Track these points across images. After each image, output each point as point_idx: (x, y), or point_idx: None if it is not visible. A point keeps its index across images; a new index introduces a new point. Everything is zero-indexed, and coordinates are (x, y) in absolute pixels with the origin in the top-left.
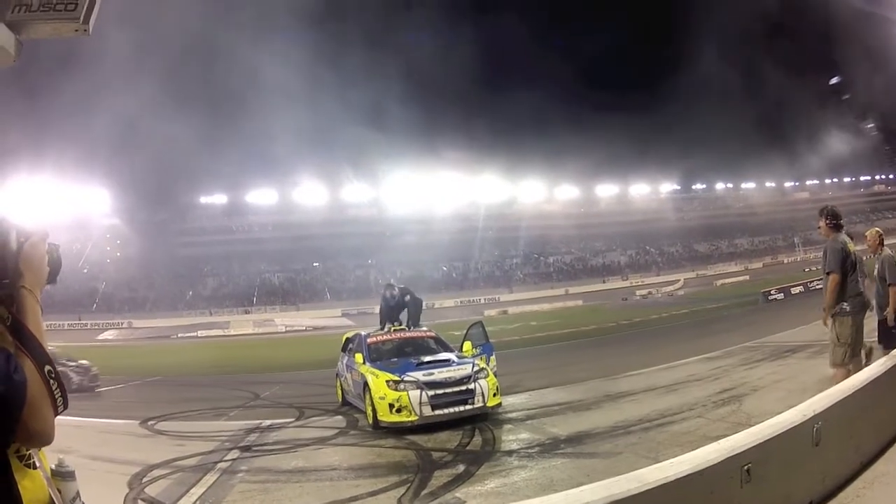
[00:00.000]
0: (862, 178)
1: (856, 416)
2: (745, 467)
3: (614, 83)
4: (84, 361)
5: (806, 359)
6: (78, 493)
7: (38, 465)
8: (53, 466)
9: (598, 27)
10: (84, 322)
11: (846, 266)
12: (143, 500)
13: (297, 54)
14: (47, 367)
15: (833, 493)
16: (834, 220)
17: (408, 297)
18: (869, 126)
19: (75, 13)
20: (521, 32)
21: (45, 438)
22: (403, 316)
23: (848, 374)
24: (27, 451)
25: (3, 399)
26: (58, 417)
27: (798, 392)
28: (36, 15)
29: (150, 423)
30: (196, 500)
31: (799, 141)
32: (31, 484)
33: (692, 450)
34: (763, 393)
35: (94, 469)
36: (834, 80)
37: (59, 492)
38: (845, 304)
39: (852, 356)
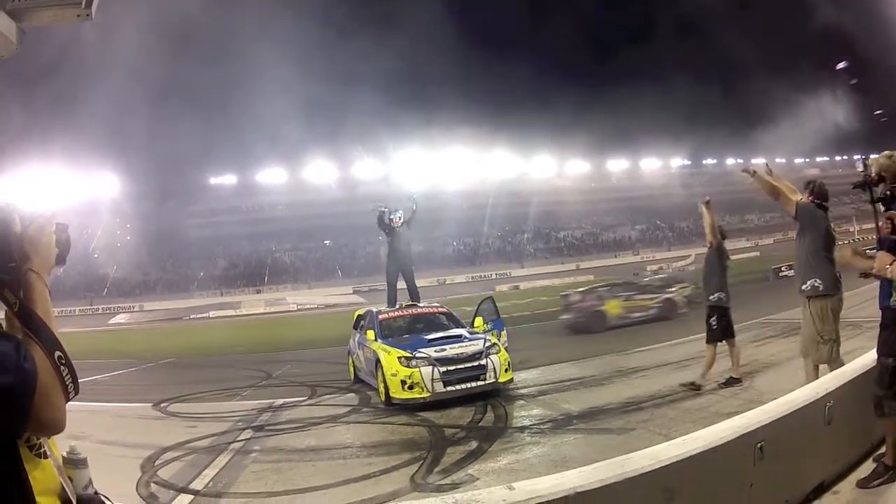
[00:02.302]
0: (872, 156)
1: (867, 396)
2: (759, 445)
3: (624, 56)
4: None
5: None
6: (90, 481)
7: (48, 454)
8: (65, 454)
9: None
10: (96, 307)
11: (825, 237)
12: (155, 483)
13: (304, 32)
14: (57, 353)
15: (844, 473)
16: (820, 199)
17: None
18: (878, 111)
19: None
20: (528, 4)
21: (56, 426)
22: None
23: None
24: (37, 440)
25: (14, 389)
26: (70, 403)
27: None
28: (37, 1)
29: (162, 405)
30: (209, 482)
31: (809, 117)
32: (41, 474)
33: (704, 426)
34: (774, 370)
35: (106, 454)
36: (843, 63)
37: (72, 479)
38: (818, 281)
39: (838, 351)
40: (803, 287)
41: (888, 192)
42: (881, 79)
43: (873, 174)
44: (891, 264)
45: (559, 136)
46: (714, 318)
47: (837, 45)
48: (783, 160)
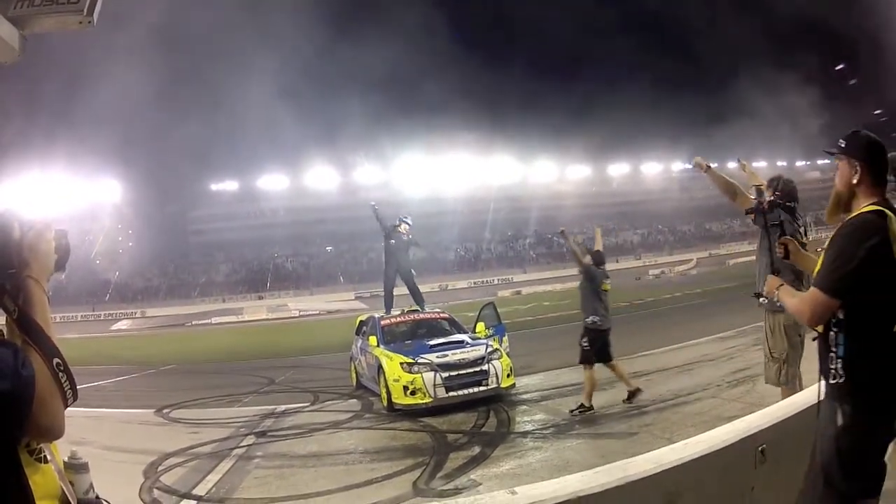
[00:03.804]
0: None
1: None
2: (760, 448)
3: (623, 59)
4: None
5: None
6: (91, 485)
7: (49, 458)
8: (66, 459)
9: (605, 8)
10: (97, 313)
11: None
12: (158, 488)
13: (305, 39)
14: (56, 360)
15: None
16: (785, 198)
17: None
18: (877, 111)
19: (79, 5)
20: (528, 11)
21: (55, 433)
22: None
23: (793, 392)
24: (37, 445)
25: (11, 395)
26: (72, 409)
27: (812, 372)
28: (39, 9)
29: (165, 411)
30: (212, 487)
31: (809, 120)
32: (41, 479)
33: (707, 430)
34: None
35: (109, 459)
36: (840, 65)
37: (73, 484)
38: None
39: (789, 373)
40: (760, 300)
41: (780, 219)
42: (879, 78)
43: (765, 202)
44: (778, 288)
45: (559, 141)
46: (586, 339)
47: (839, 48)
48: (784, 163)
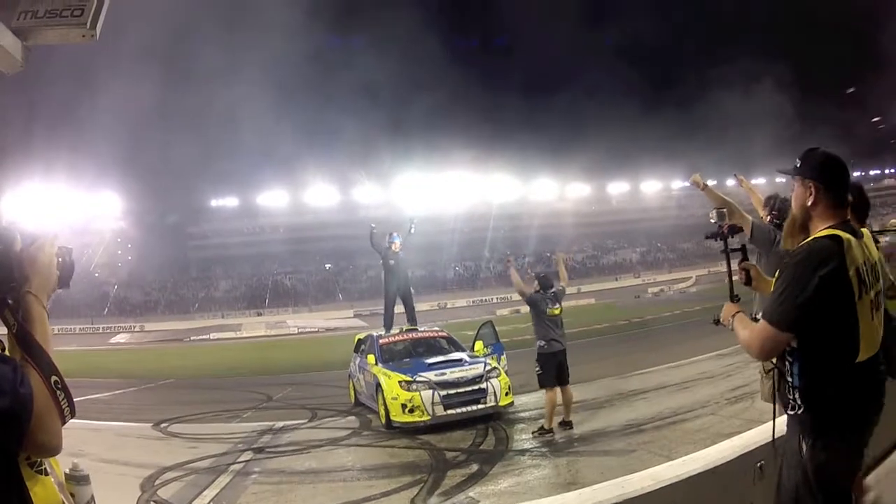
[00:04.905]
0: (871, 173)
1: None
2: (759, 464)
3: (623, 79)
4: None
5: None
6: (92, 497)
7: (49, 471)
8: (67, 471)
9: (603, 31)
10: (96, 326)
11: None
12: (155, 502)
13: (305, 56)
14: (54, 378)
15: None
16: (782, 218)
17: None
18: (876, 119)
19: (82, 18)
20: (528, 29)
21: (52, 449)
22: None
23: None
24: (37, 458)
25: (10, 412)
26: (71, 421)
27: None
28: (42, 21)
29: (162, 425)
30: (209, 502)
31: (806, 134)
32: (42, 491)
33: (705, 447)
34: None
35: (107, 472)
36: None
37: (73, 496)
38: None
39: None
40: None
41: (743, 244)
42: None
43: (725, 225)
44: (733, 316)
45: (558, 159)
46: (538, 364)
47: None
48: (783, 180)
